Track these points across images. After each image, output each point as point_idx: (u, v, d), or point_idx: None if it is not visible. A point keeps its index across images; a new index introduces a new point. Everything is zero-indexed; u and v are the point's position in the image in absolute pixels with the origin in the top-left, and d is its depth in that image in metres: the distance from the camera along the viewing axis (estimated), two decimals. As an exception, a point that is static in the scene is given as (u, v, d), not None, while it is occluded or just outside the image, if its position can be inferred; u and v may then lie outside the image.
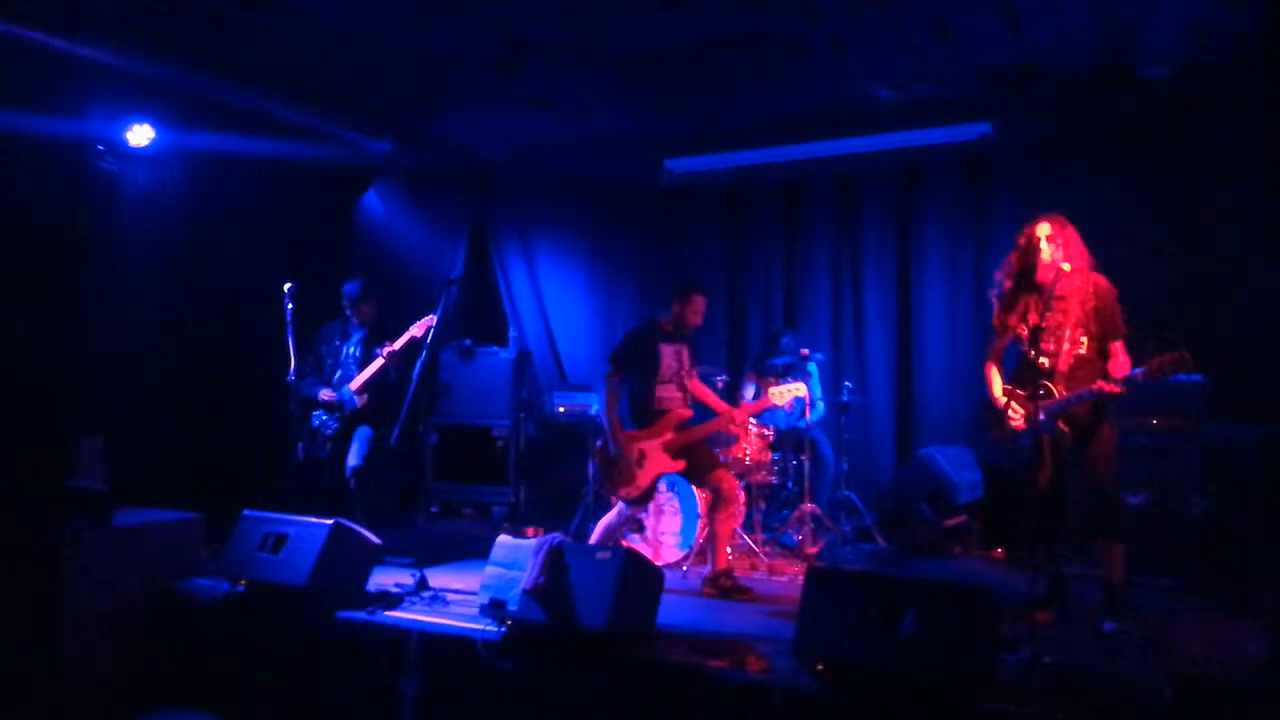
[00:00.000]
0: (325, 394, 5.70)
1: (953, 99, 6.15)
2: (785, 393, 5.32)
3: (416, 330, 5.52)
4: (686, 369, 5.30)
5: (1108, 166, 6.24)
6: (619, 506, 5.20)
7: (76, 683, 4.47)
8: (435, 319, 5.38)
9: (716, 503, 5.07)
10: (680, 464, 5.15)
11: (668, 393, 5.23)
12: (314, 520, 4.64)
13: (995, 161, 6.79)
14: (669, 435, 5.16)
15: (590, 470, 6.39)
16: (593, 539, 5.20)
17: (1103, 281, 4.18)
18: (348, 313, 5.87)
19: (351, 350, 5.82)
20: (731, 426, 5.44)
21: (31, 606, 4.40)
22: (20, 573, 4.43)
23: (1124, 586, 4.17)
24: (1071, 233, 4.22)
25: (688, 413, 5.25)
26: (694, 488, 5.50)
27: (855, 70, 5.78)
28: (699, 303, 5.27)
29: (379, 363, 5.63)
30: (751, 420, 5.97)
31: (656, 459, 5.14)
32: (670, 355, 5.24)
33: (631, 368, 5.22)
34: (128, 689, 4.58)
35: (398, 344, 5.59)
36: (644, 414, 5.20)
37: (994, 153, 6.69)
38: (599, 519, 5.41)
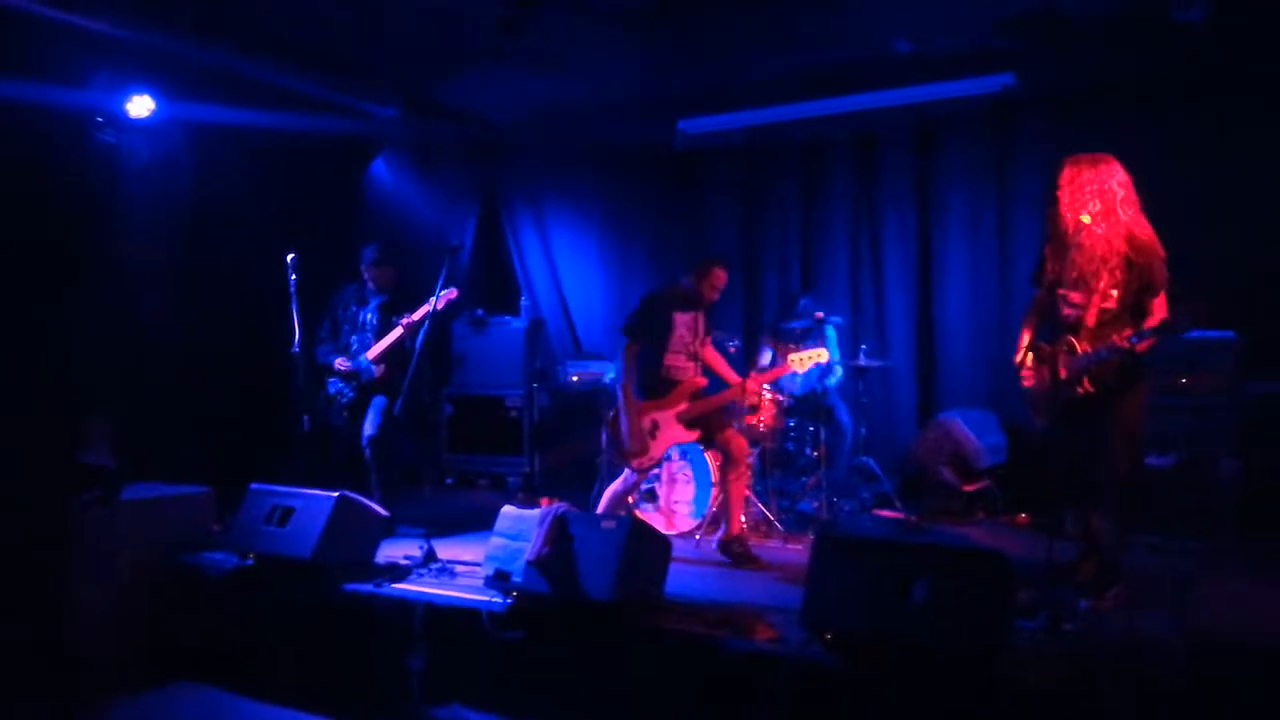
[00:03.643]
0: (341, 363, 5.65)
1: (974, 49, 5.91)
2: (806, 359, 5.15)
3: (438, 303, 5.39)
4: (700, 339, 5.17)
5: (1139, 117, 5.99)
6: (625, 475, 5.11)
7: (86, 656, 4.46)
8: (456, 292, 5.29)
9: (726, 464, 4.99)
10: (694, 434, 5.04)
11: (677, 362, 5.10)
12: (320, 493, 4.60)
13: (1019, 114, 6.55)
14: (683, 405, 5.04)
15: (604, 439, 6.30)
16: (600, 508, 5.12)
17: (1139, 231, 3.80)
18: (365, 278, 5.80)
19: (369, 317, 5.76)
20: (746, 397, 5.31)
21: (41, 581, 4.40)
22: (30, 548, 4.42)
23: (1115, 565, 3.91)
24: (1090, 175, 3.86)
25: (703, 382, 5.13)
26: (704, 451, 5.40)
27: (872, 22, 5.57)
28: (719, 277, 5.11)
29: (398, 333, 5.55)
30: (766, 386, 5.84)
31: (670, 429, 5.03)
32: (684, 325, 5.10)
33: (645, 336, 5.09)
34: (137, 662, 4.58)
35: (417, 315, 5.51)
36: (654, 383, 5.07)
37: (1018, 105, 6.45)
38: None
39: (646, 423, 5.00)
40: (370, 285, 5.80)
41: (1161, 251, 3.80)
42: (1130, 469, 3.90)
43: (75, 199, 5.31)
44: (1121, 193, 3.83)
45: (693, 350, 5.14)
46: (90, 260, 5.38)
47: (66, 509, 4.53)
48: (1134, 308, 3.84)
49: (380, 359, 5.62)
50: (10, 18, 4.74)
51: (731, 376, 5.21)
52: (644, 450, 4.99)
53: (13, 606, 4.30)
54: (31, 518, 4.48)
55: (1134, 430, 3.87)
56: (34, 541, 4.45)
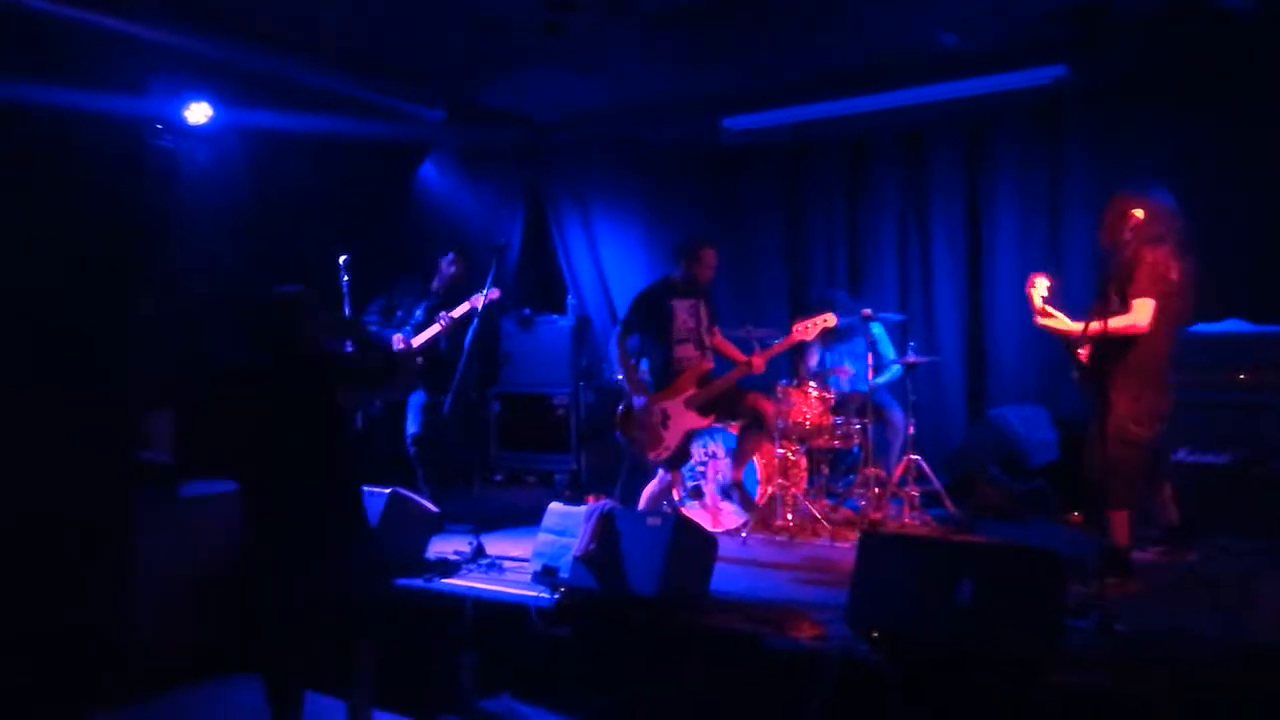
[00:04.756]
0: (398, 339, 5.78)
1: (1023, 41, 5.83)
2: (811, 326, 5.11)
3: (477, 301, 5.50)
4: (706, 326, 5.12)
5: (1194, 107, 5.84)
6: (660, 474, 5.11)
7: (144, 653, 4.60)
8: (498, 293, 5.40)
9: (752, 425, 5.00)
10: (708, 419, 4.99)
11: (685, 352, 5.05)
12: (372, 489, 4.68)
13: (1071, 106, 6.41)
14: (691, 391, 5.00)
15: (620, 437, 6.35)
16: (639, 508, 5.12)
17: (1130, 251, 4.08)
18: (435, 278, 6.00)
19: (419, 313, 5.91)
20: (754, 371, 5.21)
21: (103, 575, 4.54)
22: (91, 546, 4.57)
23: (1114, 553, 4.03)
24: (1112, 212, 4.15)
25: (708, 365, 5.09)
26: (732, 426, 5.38)
27: (919, 15, 5.51)
28: (709, 256, 5.09)
29: (435, 328, 5.69)
30: (811, 385, 5.81)
31: (681, 416, 4.97)
32: (684, 311, 5.06)
33: (645, 328, 5.07)
34: (194, 658, 4.70)
35: (456, 312, 5.63)
36: (663, 375, 5.05)
37: (1069, 97, 6.32)
38: (636, 482, 5.35)
39: (656, 413, 4.96)
40: (435, 285, 5.99)
41: (1156, 271, 4.05)
42: (1109, 463, 3.98)
43: (135, 204, 5.45)
44: (1138, 227, 4.05)
45: (699, 337, 5.09)
46: (149, 263, 5.53)
47: (128, 505, 4.67)
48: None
49: (418, 352, 5.74)
50: (73, 29, 4.87)
51: (740, 356, 5.17)
52: (659, 441, 4.94)
53: (75, 599, 4.46)
54: (92, 516, 4.63)
55: (1121, 429, 4.04)
56: (94, 539, 4.60)
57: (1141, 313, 4.02)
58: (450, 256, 6.05)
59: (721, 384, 5.06)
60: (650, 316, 5.05)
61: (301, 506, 3.53)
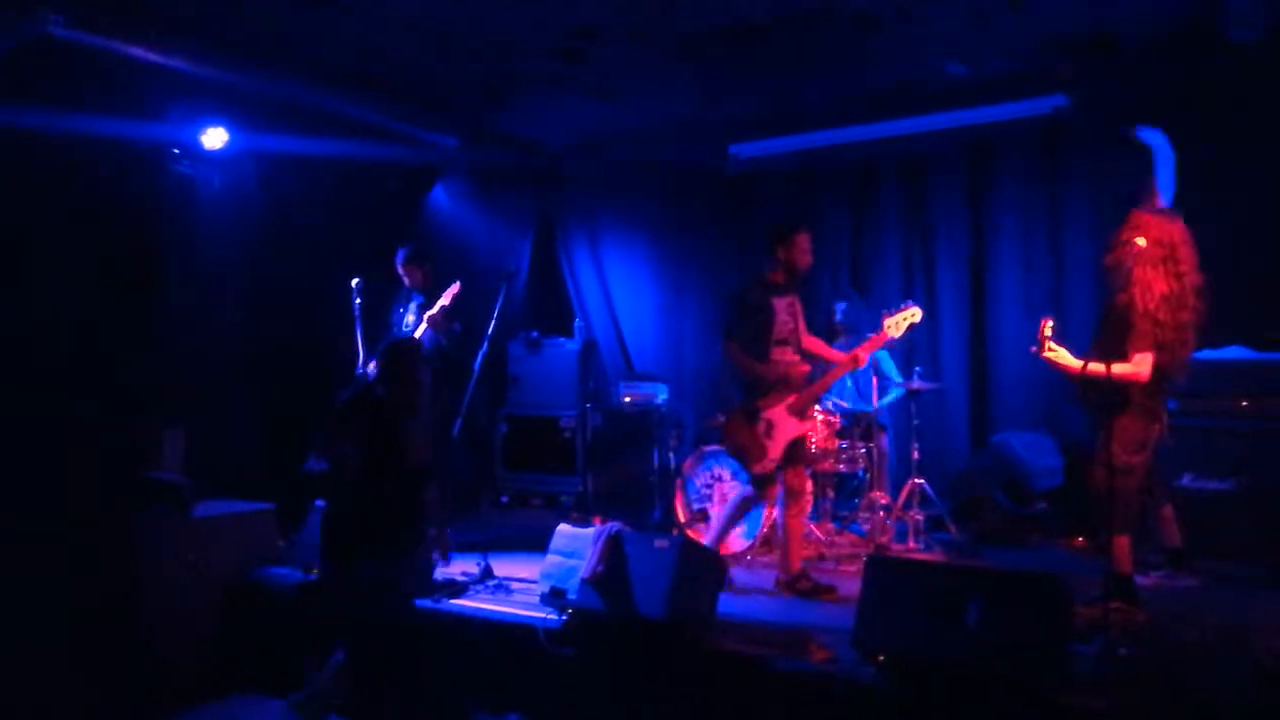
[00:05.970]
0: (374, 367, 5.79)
1: (1026, 71, 5.93)
2: (900, 322, 4.89)
3: (445, 299, 5.62)
4: (802, 326, 4.88)
5: (1196, 135, 5.89)
6: (742, 487, 4.96)
7: (157, 670, 4.64)
8: (459, 286, 5.58)
9: (786, 498, 4.81)
10: (809, 424, 4.83)
11: (784, 355, 4.76)
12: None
13: (1072, 136, 6.49)
14: (793, 397, 4.75)
15: (655, 460, 6.35)
16: (717, 525, 5.07)
17: (1136, 290, 4.14)
18: (403, 280, 6.00)
19: (409, 319, 5.94)
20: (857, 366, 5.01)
21: (113, 596, 4.58)
22: (102, 564, 4.62)
23: (1117, 578, 4.00)
24: (1129, 231, 4.24)
25: (805, 368, 4.86)
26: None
27: (924, 46, 5.61)
28: (804, 240, 4.80)
29: (422, 328, 5.70)
30: (817, 407, 5.85)
31: (785, 425, 4.72)
32: (784, 310, 4.77)
33: (744, 331, 4.77)
34: (206, 676, 4.73)
35: (435, 309, 5.67)
36: (762, 380, 4.75)
37: (1071, 126, 6.41)
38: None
39: (761, 424, 4.74)
40: (405, 285, 6.00)
41: (1151, 319, 4.06)
42: (1098, 489, 4.03)
43: (153, 227, 5.56)
44: (1147, 252, 4.13)
45: (796, 339, 4.83)
46: (166, 285, 5.62)
47: (134, 524, 4.72)
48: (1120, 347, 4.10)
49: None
50: (96, 58, 4.97)
51: (837, 355, 4.99)
52: (764, 454, 4.71)
53: (85, 619, 4.50)
54: (103, 534, 4.68)
55: (1111, 458, 4.00)
56: (105, 557, 4.64)
57: (1143, 366, 4.05)
58: (402, 257, 6.01)
59: (824, 383, 4.88)
60: (750, 318, 4.74)
61: (361, 522, 3.87)
